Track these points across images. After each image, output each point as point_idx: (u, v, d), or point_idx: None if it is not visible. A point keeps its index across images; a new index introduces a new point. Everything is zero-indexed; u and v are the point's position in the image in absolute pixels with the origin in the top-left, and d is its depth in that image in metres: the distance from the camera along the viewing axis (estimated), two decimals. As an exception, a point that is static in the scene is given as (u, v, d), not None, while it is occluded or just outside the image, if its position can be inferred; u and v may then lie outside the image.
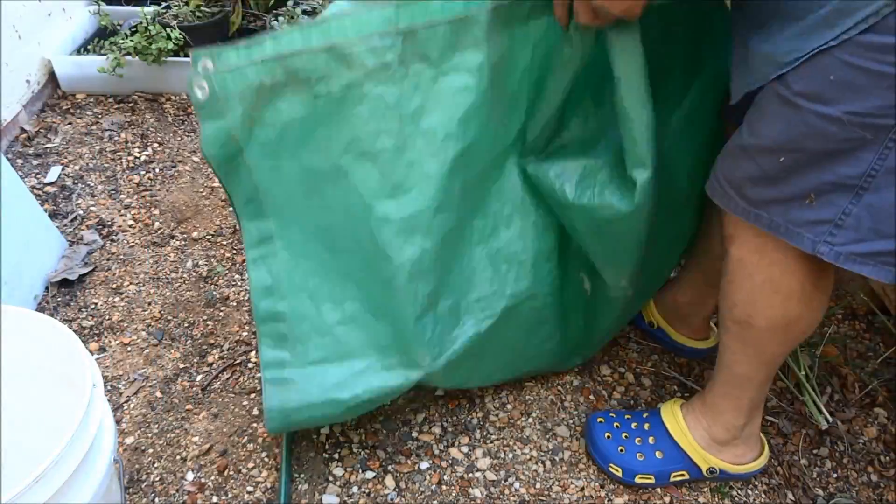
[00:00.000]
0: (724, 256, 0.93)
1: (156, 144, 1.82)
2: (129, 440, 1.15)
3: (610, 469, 1.11)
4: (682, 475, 1.10)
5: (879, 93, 0.69)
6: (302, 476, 1.10)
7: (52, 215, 1.55)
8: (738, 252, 0.89)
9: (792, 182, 0.78)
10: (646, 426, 1.12)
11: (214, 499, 1.07)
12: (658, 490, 1.11)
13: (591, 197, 0.95)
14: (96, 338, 1.31)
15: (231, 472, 1.11)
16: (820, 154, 0.75)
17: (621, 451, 1.10)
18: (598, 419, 1.15)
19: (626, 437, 1.11)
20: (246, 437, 1.15)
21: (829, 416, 1.17)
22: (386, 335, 1.00)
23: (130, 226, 1.57)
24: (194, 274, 1.46)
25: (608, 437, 1.11)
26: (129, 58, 1.92)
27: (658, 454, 1.09)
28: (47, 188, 1.64)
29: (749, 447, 1.09)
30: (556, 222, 1.05)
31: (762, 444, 1.11)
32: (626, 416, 1.14)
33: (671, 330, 1.29)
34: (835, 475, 1.15)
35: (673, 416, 1.10)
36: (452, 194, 0.93)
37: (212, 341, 1.32)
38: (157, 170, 1.74)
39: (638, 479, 1.09)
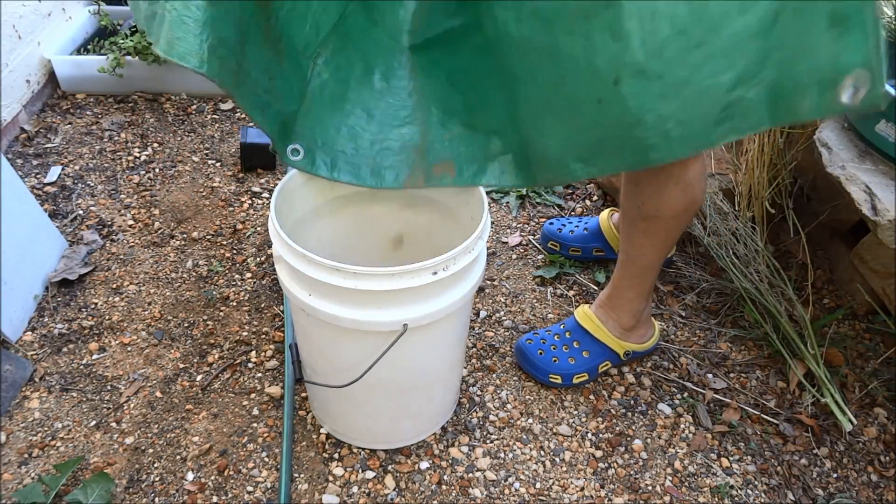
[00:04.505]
0: None
1: (156, 144, 1.82)
2: (129, 440, 1.15)
3: (550, 380, 1.24)
4: (607, 365, 1.26)
5: None
6: (302, 476, 1.11)
7: (52, 215, 1.55)
8: None
9: None
10: (567, 334, 1.26)
11: (214, 499, 1.07)
12: (658, 490, 1.11)
13: None
14: (96, 338, 1.31)
15: (231, 472, 1.11)
16: None
17: (555, 361, 1.24)
18: (527, 341, 1.27)
19: (554, 348, 1.25)
20: (246, 437, 1.15)
21: (853, 418, 1.17)
22: None
23: (130, 226, 1.57)
24: (194, 274, 1.46)
25: (541, 353, 1.25)
26: (128, 58, 1.92)
27: (585, 353, 1.24)
28: (47, 188, 1.65)
29: (647, 327, 1.27)
30: None
31: (654, 323, 1.30)
32: (548, 332, 1.28)
33: None
34: (835, 475, 1.15)
35: (588, 317, 1.25)
36: None
37: (212, 341, 1.32)
38: (157, 170, 1.74)
39: (575, 380, 1.24)
